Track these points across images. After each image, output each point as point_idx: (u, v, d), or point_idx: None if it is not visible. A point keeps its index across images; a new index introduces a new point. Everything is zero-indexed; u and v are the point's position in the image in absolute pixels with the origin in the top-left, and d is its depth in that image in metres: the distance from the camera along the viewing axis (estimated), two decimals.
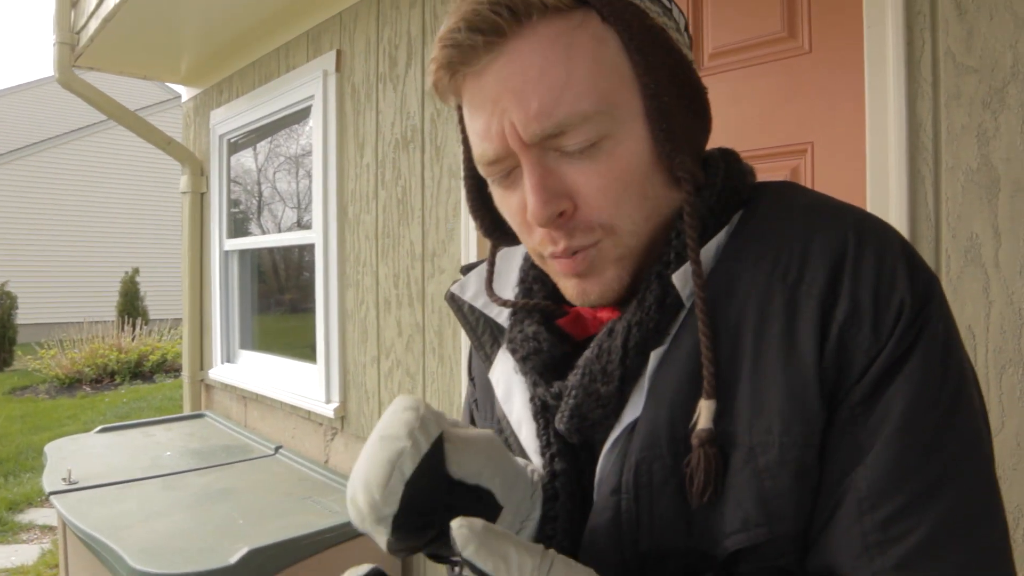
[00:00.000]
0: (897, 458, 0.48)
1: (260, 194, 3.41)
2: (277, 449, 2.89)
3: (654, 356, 0.55)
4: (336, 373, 2.69)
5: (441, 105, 2.22)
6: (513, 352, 0.64)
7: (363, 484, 0.51)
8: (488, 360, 0.71)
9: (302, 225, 3.10)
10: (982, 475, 0.50)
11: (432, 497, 0.51)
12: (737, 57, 1.53)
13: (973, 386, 0.52)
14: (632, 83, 0.55)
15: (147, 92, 13.93)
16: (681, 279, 0.55)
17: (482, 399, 0.73)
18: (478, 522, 0.47)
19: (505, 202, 0.59)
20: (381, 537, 0.52)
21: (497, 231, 0.67)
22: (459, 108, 0.62)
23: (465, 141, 0.64)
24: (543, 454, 0.64)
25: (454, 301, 0.72)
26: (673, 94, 0.56)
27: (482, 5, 0.51)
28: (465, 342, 2.11)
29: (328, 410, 2.68)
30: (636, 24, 0.54)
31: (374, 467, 0.51)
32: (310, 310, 2.96)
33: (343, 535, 2.10)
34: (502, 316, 0.68)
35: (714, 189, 0.59)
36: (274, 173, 3.31)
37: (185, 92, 3.90)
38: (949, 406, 0.49)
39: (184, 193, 3.68)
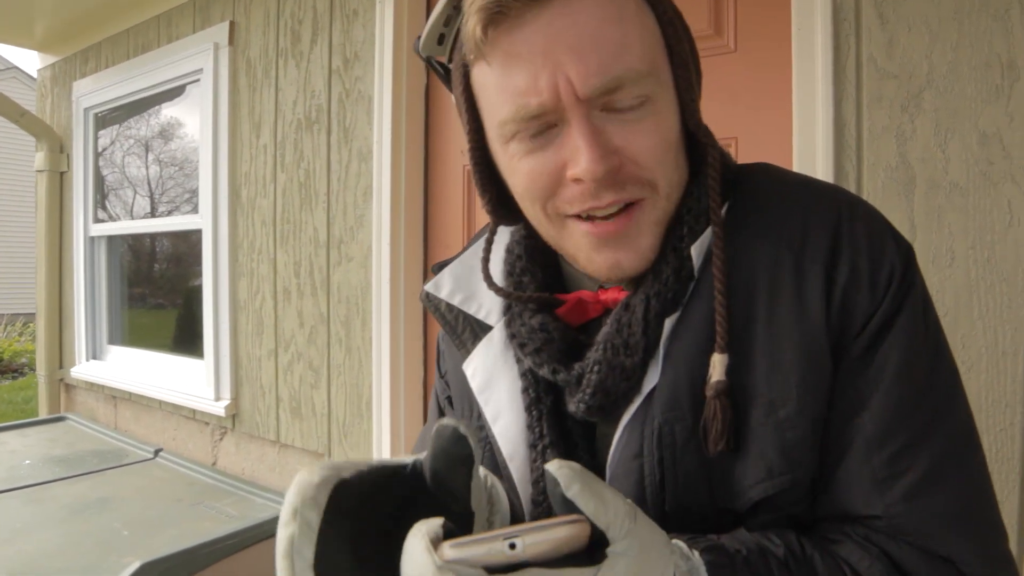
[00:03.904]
0: (897, 401, 0.53)
1: (147, 177, 3.10)
2: (157, 452, 2.65)
3: (668, 323, 0.57)
4: (227, 368, 2.50)
5: (350, 85, 2.12)
6: (522, 347, 0.63)
7: None
8: (468, 354, 0.69)
9: (187, 209, 2.85)
10: (964, 408, 0.56)
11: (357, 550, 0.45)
12: None
13: (943, 333, 0.58)
14: (665, 55, 0.57)
15: None
16: (696, 251, 0.58)
17: (458, 394, 0.71)
18: (574, 464, 0.44)
19: (530, 164, 0.56)
20: None
21: (501, 209, 0.64)
22: (463, 70, 0.58)
23: (471, 109, 0.60)
24: (534, 446, 0.63)
25: (429, 300, 0.71)
26: (692, 71, 0.60)
27: None
28: (377, 334, 2.03)
29: (218, 408, 2.50)
30: (667, 4, 0.58)
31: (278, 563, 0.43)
32: (193, 301, 2.74)
33: (244, 541, 1.95)
34: (481, 312, 0.68)
35: (717, 165, 0.61)
36: (153, 152, 3.03)
37: (39, 59, 3.48)
38: (934, 352, 0.56)
39: (40, 171, 3.29)
